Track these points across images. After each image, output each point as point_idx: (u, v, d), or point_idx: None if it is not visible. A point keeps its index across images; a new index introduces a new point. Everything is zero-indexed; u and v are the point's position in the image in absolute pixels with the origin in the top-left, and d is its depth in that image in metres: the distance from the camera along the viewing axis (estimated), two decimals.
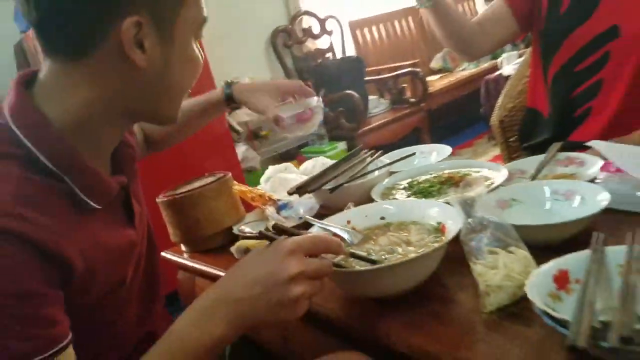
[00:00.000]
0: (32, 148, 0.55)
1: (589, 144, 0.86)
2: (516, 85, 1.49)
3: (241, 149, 2.48)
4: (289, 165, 1.30)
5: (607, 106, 1.09)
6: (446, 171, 0.95)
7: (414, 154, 1.12)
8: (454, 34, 1.17)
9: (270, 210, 1.04)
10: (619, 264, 0.54)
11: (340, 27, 3.50)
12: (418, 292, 0.66)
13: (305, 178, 1.10)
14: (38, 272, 0.50)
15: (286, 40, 3.23)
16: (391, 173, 1.03)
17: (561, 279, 0.54)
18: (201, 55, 0.67)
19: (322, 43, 3.43)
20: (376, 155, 1.10)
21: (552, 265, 0.56)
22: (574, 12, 1.10)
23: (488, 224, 0.63)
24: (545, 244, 0.65)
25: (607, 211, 0.67)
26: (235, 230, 1.01)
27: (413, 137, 3.19)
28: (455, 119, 4.06)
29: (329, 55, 3.41)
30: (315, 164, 1.26)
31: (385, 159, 1.09)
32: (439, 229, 0.71)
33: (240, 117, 2.64)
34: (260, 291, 0.55)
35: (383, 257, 0.69)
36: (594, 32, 1.08)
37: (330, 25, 3.42)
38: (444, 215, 0.72)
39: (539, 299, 0.50)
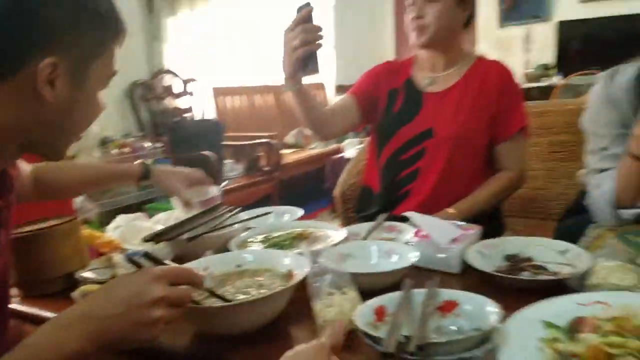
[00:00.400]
0: None
1: (406, 214, 1.09)
2: (356, 165, 1.75)
3: (79, 199, 2.34)
4: (140, 215, 1.31)
5: (422, 190, 1.35)
6: (297, 229, 1.10)
7: (270, 213, 1.25)
8: (311, 116, 1.34)
9: (118, 257, 1.04)
10: (420, 302, 0.72)
11: (203, 90, 3.62)
12: (266, 330, 0.76)
13: (160, 227, 1.13)
14: None
15: (145, 94, 3.22)
16: (248, 229, 1.13)
17: (380, 312, 0.70)
18: (102, 104, 0.73)
19: (182, 102, 3.50)
20: (235, 211, 1.20)
21: (374, 302, 0.72)
22: (402, 114, 1.39)
23: (328, 270, 0.77)
24: (371, 288, 0.80)
25: (416, 267, 0.88)
26: (78, 275, 0.99)
27: (264, 203, 3.34)
28: (303, 191, 4.38)
29: (188, 115, 3.48)
30: (169, 217, 1.30)
31: (244, 215, 1.20)
32: (289, 275, 0.83)
33: None
34: (122, 310, 0.58)
35: (236, 297, 0.78)
36: (415, 131, 1.36)
37: (193, 87, 3.52)
38: (294, 263, 0.84)
39: (362, 325, 0.64)
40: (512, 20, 5.06)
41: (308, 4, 1.11)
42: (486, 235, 1.05)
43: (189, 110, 3.52)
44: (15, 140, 0.66)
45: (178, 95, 3.46)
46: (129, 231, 1.21)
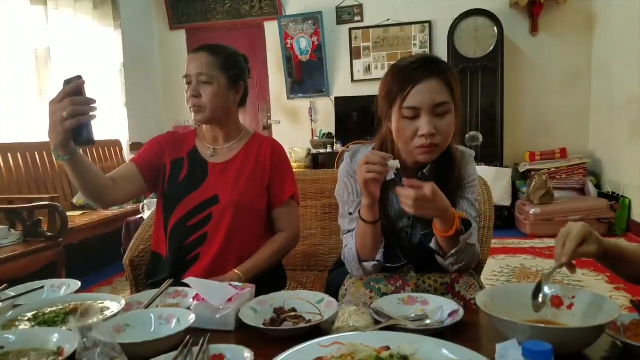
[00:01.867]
0: None
1: (185, 280, 1.17)
2: (147, 230, 1.75)
3: None
4: None
5: (210, 252, 1.44)
6: (72, 303, 1.07)
7: (42, 287, 1.18)
8: (87, 184, 1.30)
9: None
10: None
11: None
12: None
13: None
14: None
15: None
16: (15, 306, 1.05)
17: None
18: None
19: None
20: (1, 288, 1.10)
21: None
22: (189, 182, 1.48)
23: (99, 343, 0.79)
24: (152, 356, 0.85)
25: (197, 329, 0.96)
26: None
27: (48, 272, 2.97)
28: (97, 255, 4.03)
29: None
30: None
31: (11, 292, 1.11)
32: (59, 352, 0.82)
33: None
34: None
35: None
36: (202, 198, 1.46)
37: None
38: (63, 339, 0.83)
39: None
40: (299, 93, 5.76)
41: (79, 77, 1.11)
42: (270, 289, 1.19)
43: None
44: None
45: None
46: None
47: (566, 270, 0.95)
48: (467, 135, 4.69)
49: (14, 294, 1.10)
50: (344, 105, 5.49)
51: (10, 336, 0.85)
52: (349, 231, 1.32)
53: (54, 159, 1.21)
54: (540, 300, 0.94)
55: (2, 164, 3.49)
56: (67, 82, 1.11)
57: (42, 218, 3.16)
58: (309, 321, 1.03)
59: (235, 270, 1.41)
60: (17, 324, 0.98)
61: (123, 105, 4.96)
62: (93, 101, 1.12)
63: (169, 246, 1.47)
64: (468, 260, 1.25)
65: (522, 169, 5.02)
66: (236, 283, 1.17)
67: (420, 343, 0.87)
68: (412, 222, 1.33)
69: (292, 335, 0.98)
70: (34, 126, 3.87)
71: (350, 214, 1.33)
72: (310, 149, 5.43)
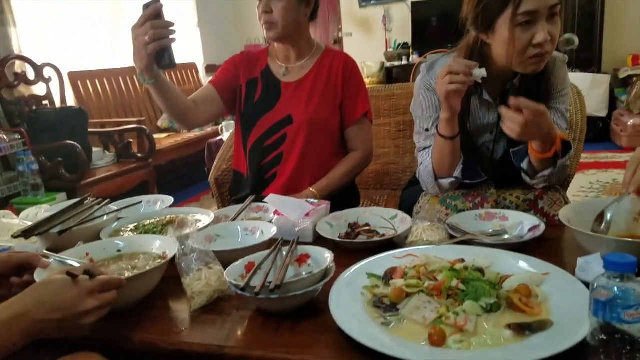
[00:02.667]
0: None
1: (266, 199, 1.23)
2: (228, 151, 1.83)
3: None
4: (7, 212, 1.28)
5: (286, 172, 1.49)
6: (168, 216, 1.18)
7: (140, 202, 1.31)
8: (172, 107, 1.38)
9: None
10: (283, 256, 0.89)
11: (60, 76, 3.37)
12: (144, 303, 0.86)
13: (29, 224, 1.13)
14: None
15: None
16: (118, 219, 1.18)
17: (249, 267, 0.86)
18: None
19: (38, 90, 3.23)
20: (104, 203, 1.23)
21: (246, 259, 0.88)
22: (263, 102, 1.51)
23: (195, 250, 0.88)
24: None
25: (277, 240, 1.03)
26: None
27: (140, 190, 3.27)
28: (183, 175, 4.33)
29: (46, 102, 3.23)
30: (38, 212, 1.29)
31: (113, 206, 1.24)
32: (163, 256, 0.92)
33: None
34: (59, 317, 0.69)
35: None
36: (276, 118, 1.49)
37: (48, 73, 3.26)
38: (165, 246, 0.94)
39: (232, 279, 0.80)
40: (371, 0, 5.41)
41: (157, 0, 1.13)
42: (344, 206, 1.23)
43: (48, 97, 3.26)
44: None
45: (32, 83, 3.18)
46: None
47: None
48: (560, 38, 4.25)
49: (116, 208, 1.23)
50: (422, 11, 5.09)
51: (120, 242, 0.97)
52: (424, 148, 1.30)
53: (140, 83, 1.27)
54: (602, 227, 0.89)
55: (91, 90, 3.74)
56: (146, 6, 1.13)
57: (132, 140, 3.42)
58: (383, 235, 1.06)
59: (311, 189, 1.46)
60: (122, 233, 1.10)
61: (196, 25, 4.98)
62: (172, 24, 1.14)
63: (249, 166, 1.54)
64: (557, 179, 1.19)
65: (622, 75, 4.50)
66: (312, 200, 1.22)
67: (496, 256, 0.88)
68: (495, 136, 1.27)
69: (366, 247, 1.03)
70: (117, 52, 4.05)
71: (427, 130, 1.30)
72: (383, 62, 5.21)
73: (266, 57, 1.57)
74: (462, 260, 0.86)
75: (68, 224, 1.09)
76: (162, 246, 0.94)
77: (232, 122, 4.13)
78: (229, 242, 1.05)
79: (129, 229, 1.12)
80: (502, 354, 0.63)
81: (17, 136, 2.74)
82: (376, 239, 1.04)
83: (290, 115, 1.48)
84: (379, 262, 0.89)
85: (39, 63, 3.20)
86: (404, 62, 5.06)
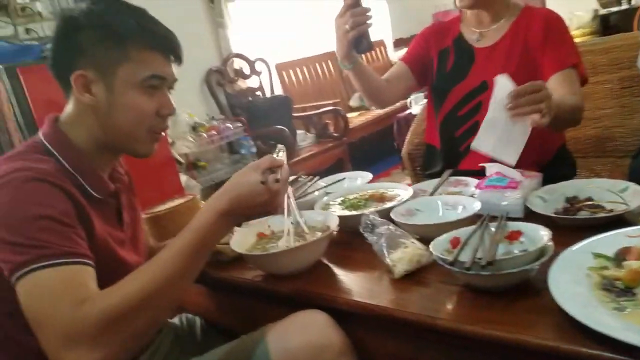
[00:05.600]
0: (58, 156, 0.83)
1: (472, 145, 1.14)
2: (420, 124, 1.82)
3: (183, 179, 2.64)
4: None
5: None
6: (369, 191, 1.24)
7: (344, 179, 1.41)
8: (368, 88, 1.44)
9: None
10: (491, 232, 0.85)
11: (268, 68, 3.80)
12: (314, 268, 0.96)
13: None
14: (71, 209, 0.75)
15: (219, 79, 3.46)
16: (327, 194, 1.29)
17: (455, 242, 0.85)
18: (162, 102, 0.88)
19: (252, 82, 3.70)
20: (314, 180, 1.36)
21: (450, 234, 0.87)
22: (455, 72, 1.45)
23: (399, 224, 0.91)
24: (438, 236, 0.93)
25: (481, 215, 0.98)
26: None
27: (336, 167, 3.52)
28: (372, 151, 4.48)
29: (258, 93, 3.69)
30: None
31: (322, 182, 1.36)
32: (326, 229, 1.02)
33: (181, 149, 2.81)
34: (253, 213, 0.84)
35: None
36: (469, 87, 1.41)
37: (259, 66, 3.71)
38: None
39: (438, 252, 0.81)
40: None
41: None
42: (557, 178, 1.11)
43: (260, 88, 3.72)
44: (103, 146, 0.88)
45: (247, 77, 3.66)
46: None
47: None
48: None
49: (324, 184, 1.34)
50: None
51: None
52: None
53: (337, 67, 1.36)
54: None
55: (294, 78, 4.12)
56: None
57: (329, 121, 3.68)
58: (610, 211, 0.92)
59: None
60: (331, 207, 1.20)
61: (385, 0, 4.99)
62: (368, 10, 1.19)
63: (441, 138, 1.50)
64: None
65: None
66: (522, 170, 1.12)
67: None
68: None
69: (590, 225, 0.91)
70: (313, 41, 4.36)
71: None
72: (596, 10, 4.44)
73: (458, 25, 1.50)
74: None
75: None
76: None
77: (421, 94, 4.10)
78: (430, 216, 1.05)
79: (336, 203, 1.21)
80: None
81: (239, 124, 3.22)
82: (602, 214, 0.91)
83: (485, 81, 1.38)
84: (608, 241, 0.78)
85: (252, 59, 3.67)
86: (624, 6, 4.22)
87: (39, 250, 0.69)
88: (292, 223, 1.03)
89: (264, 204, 0.81)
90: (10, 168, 0.77)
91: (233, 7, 3.59)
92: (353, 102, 4.46)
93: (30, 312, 0.69)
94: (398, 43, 5.06)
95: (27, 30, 2.47)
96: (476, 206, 1.00)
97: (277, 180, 0.82)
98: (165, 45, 0.87)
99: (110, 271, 0.77)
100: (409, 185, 1.33)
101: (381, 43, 5.02)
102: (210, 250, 0.82)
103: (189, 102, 3.22)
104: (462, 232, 0.87)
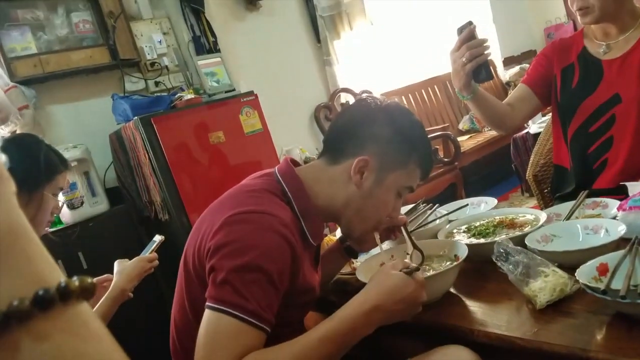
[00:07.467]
0: (292, 199, 0.93)
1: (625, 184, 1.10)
2: (545, 144, 1.74)
3: None
4: None
5: (620, 156, 1.32)
6: (497, 217, 1.20)
7: (466, 205, 1.37)
8: (491, 115, 1.42)
9: None
10: None
11: None
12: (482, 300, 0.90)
13: None
14: (288, 266, 0.83)
15: (327, 114, 3.61)
16: (450, 221, 1.27)
17: (602, 268, 0.80)
18: (396, 207, 1.00)
19: None
20: (434, 207, 1.35)
21: (596, 260, 0.82)
22: (583, 87, 1.37)
23: (535, 251, 0.87)
24: (579, 263, 0.87)
25: (626, 239, 0.91)
26: None
27: (449, 193, 3.42)
28: (486, 174, 4.28)
29: None
30: None
31: (442, 210, 1.35)
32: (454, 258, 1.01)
33: None
34: (403, 307, 0.83)
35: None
36: (600, 101, 1.33)
37: None
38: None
39: (585, 280, 0.76)
40: None
41: (470, 23, 1.21)
42: None
43: None
44: (331, 211, 0.98)
45: None
46: None
47: None
48: None
49: (446, 212, 1.33)
50: None
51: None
52: None
53: (459, 99, 1.37)
54: None
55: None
56: (460, 30, 1.22)
57: (437, 147, 3.61)
58: None
59: None
60: (455, 235, 1.18)
61: (492, 22, 4.87)
62: (485, 40, 1.20)
63: (572, 156, 1.43)
64: None
65: None
66: None
67: None
68: None
69: None
70: (416, 68, 4.38)
71: None
72: None
73: (581, 39, 1.43)
74: None
75: (410, 227, 1.24)
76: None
77: (539, 113, 3.86)
78: (569, 242, 0.99)
79: (461, 231, 1.19)
80: None
81: None
82: None
83: (618, 93, 1.31)
84: None
85: (357, 91, 3.78)
86: None
87: (240, 299, 0.77)
88: (408, 253, 1.04)
89: (413, 296, 0.82)
90: (254, 206, 0.86)
91: (338, 44, 3.76)
92: (463, 125, 4.34)
93: (200, 337, 0.78)
94: (507, 62, 4.86)
95: (157, 83, 2.79)
96: (621, 229, 0.93)
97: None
98: (427, 173, 1.01)
99: (299, 295, 0.91)
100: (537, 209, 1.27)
101: (490, 63, 4.85)
102: (356, 341, 0.82)
103: (300, 138, 3.39)
104: (610, 258, 0.81)
